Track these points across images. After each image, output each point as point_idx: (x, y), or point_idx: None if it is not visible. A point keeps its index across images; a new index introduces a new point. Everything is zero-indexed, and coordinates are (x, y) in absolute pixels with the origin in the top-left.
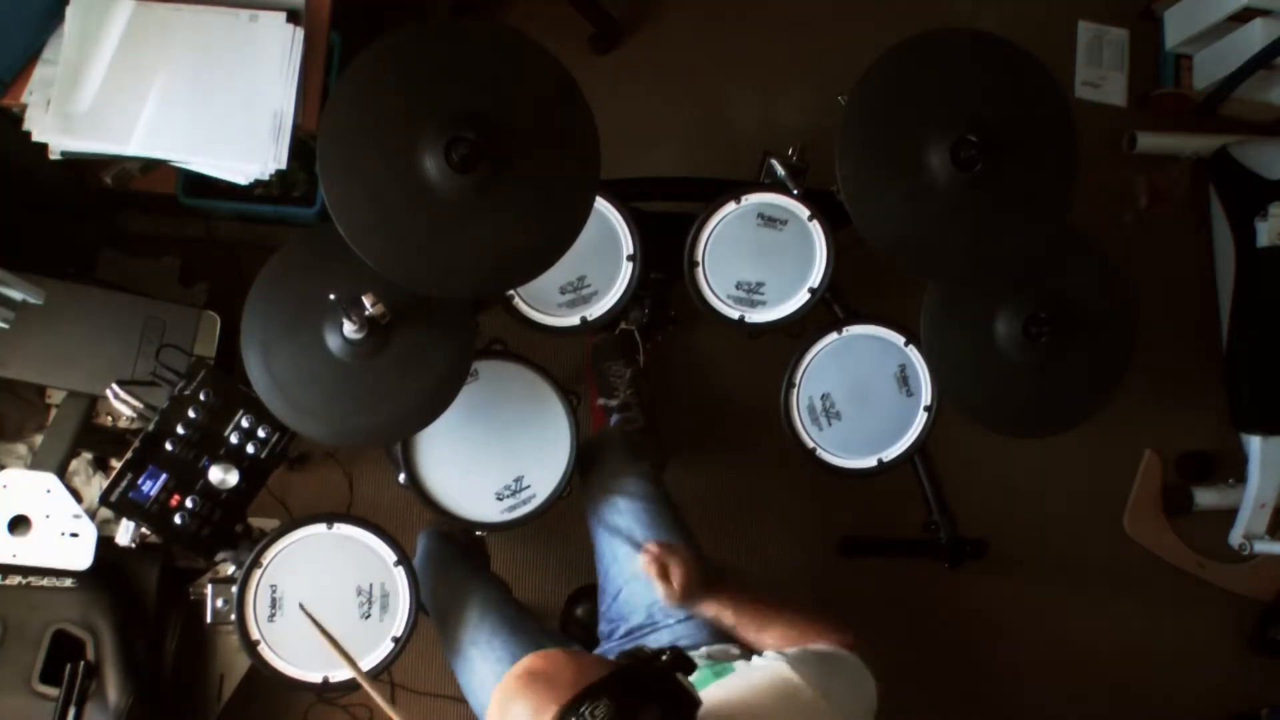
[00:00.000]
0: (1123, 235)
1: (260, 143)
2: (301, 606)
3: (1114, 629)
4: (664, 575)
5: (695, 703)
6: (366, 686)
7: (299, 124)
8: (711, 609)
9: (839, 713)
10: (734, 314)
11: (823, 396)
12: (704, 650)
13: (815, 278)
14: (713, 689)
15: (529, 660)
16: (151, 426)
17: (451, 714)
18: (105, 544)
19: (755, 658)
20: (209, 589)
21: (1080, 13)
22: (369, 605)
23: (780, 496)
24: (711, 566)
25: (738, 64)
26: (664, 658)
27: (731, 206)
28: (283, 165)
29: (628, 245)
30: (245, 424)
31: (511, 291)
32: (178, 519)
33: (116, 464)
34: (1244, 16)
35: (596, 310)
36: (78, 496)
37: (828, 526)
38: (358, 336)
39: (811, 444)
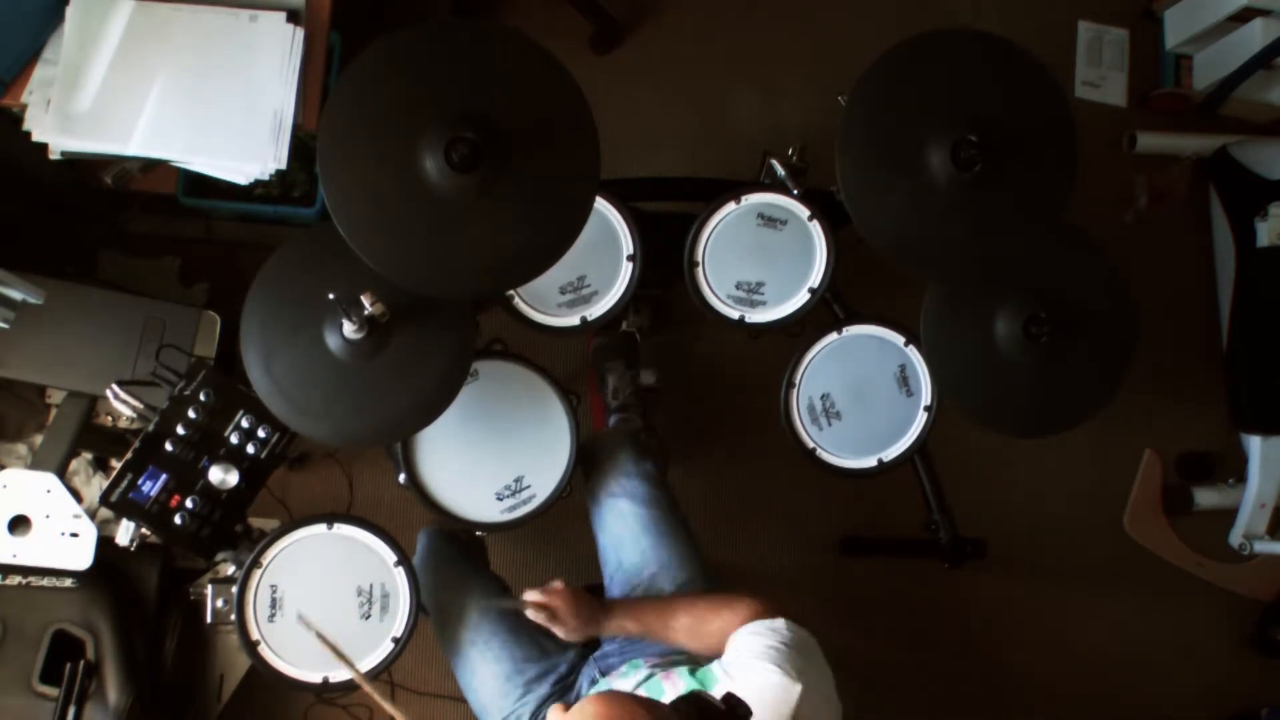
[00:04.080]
0: (1123, 235)
1: (260, 143)
2: (300, 617)
3: (1114, 629)
4: (554, 619)
5: None
6: (373, 694)
7: (299, 124)
8: (613, 627)
9: (823, 695)
10: (734, 314)
11: (823, 396)
12: None
13: (815, 278)
14: None
15: (598, 706)
16: (151, 426)
17: (451, 714)
18: (105, 544)
19: (735, 663)
20: (209, 589)
21: (1080, 13)
22: (369, 605)
23: (780, 496)
24: (593, 595)
25: (738, 64)
26: (730, 707)
27: (731, 206)
28: (283, 165)
29: (628, 245)
30: (245, 424)
31: (511, 291)
32: (178, 519)
33: (116, 464)
34: (1244, 16)
35: (596, 310)
36: (78, 496)
37: (828, 526)
38: (357, 336)
39: (811, 444)
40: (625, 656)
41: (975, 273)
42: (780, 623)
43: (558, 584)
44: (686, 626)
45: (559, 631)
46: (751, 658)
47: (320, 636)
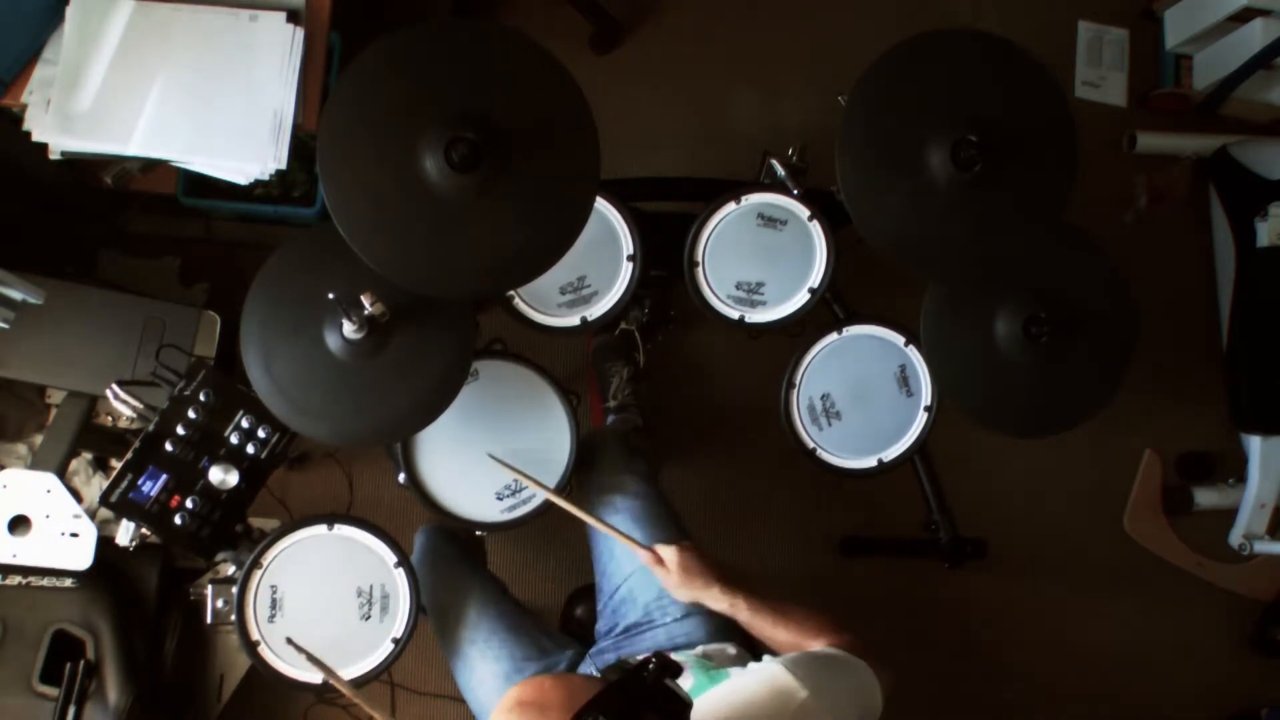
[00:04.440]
0: (1123, 235)
1: (260, 143)
2: (290, 640)
3: (1114, 629)
4: (660, 568)
5: (686, 704)
6: (367, 708)
7: (299, 124)
8: (724, 602)
9: (831, 712)
10: (734, 314)
11: (823, 396)
12: (700, 649)
13: (815, 278)
14: (708, 696)
15: (516, 691)
16: (151, 427)
17: (451, 714)
18: (105, 544)
19: (752, 663)
20: (209, 589)
21: (1080, 13)
22: (369, 606)
23: (780, 496)
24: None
25: (738, 64)
26: (650, 666)
27: (731, 206)
28: (283, 165)
29: (628, 245)
30: (245, 424)
31: (511, 291)
32: (178, 519)
33: (116, 464)
34: (1244, 16)
35: (596, 310)
36: (78, 496)
37: (828, 526)
38: (357, 336)
39: (811, 444)
40: (620, 653)
41: (975, 273)
42: (851, 656)
43: (686, 542)
44: (787, 640)
45: (662, 582)
46: (775, 663)
47: (312, 659)
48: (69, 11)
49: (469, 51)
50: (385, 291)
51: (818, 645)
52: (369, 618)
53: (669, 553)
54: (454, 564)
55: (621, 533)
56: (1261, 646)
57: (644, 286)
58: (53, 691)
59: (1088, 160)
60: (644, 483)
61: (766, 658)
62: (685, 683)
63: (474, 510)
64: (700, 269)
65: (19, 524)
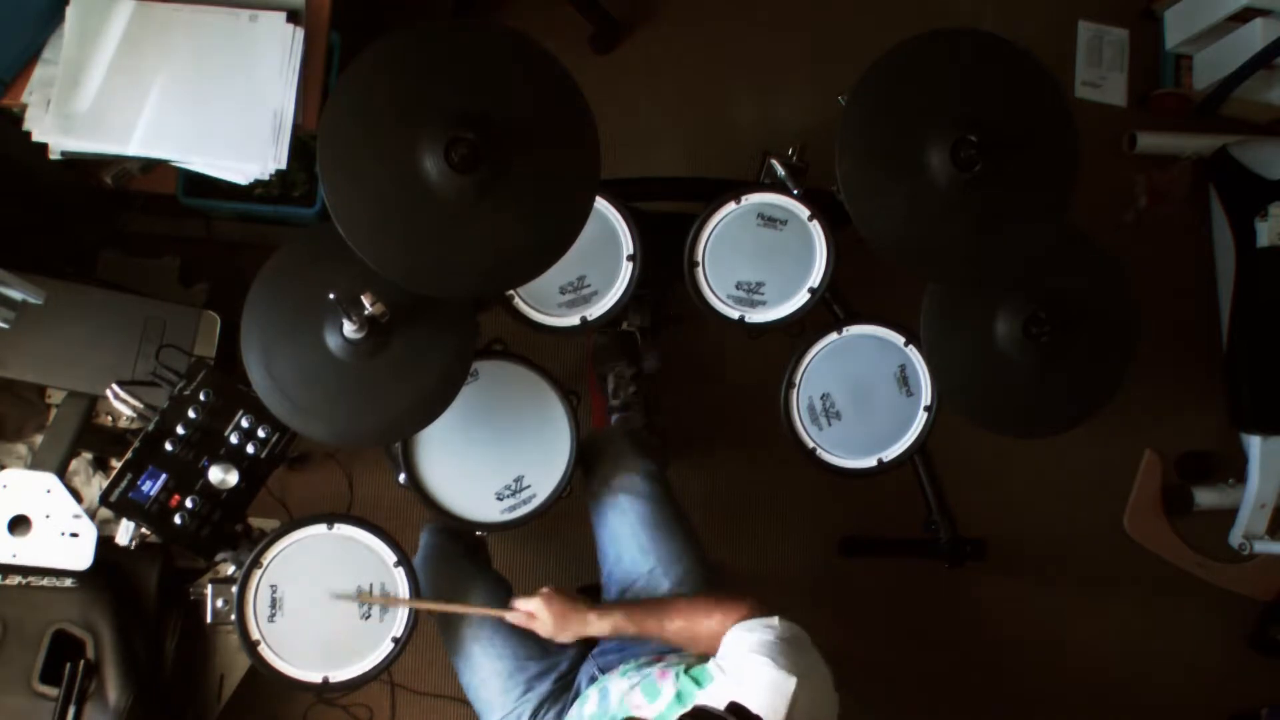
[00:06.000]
0: (1123, 235)
1: (260, 143)
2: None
3: (1114, 629)
4: (534, 623)
5: None
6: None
7: (299, 124)
8: (605, 628)
9: (821, 692)
10: (734, 314)
11: (823, 396)
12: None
13: (815, 278)
14: (701, 699)
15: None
16: (151, 427)
17: (451, 714)
18: (105, 544)
19: (729, 658)
20: (209, 589)
21: (1080, 13)
22: (369, 605)
23: (780, 496)
24: (587, 597)
25: (738, 64)
26: (731, 715)
27: (731, 206)
28: (283, 165)
29: (628, 245)
30: (245, 424)
31: (511, 291)
32: (178, 519)
33: (116, 464)
34: (1244, 16)
35: (596, 310)
36: (78, 496)
37: (828, 526)
38: (357, 336)
39: (811, 444)
40: (624, 655)
41: (975, 273)
42: (774, 620)
43: (544, 589)
44: (681, 628)
45: (542, 634)
46: (745, 652)
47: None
48: (69, 11)
49: (469, 51)
50: (385, 291)
51: (716, 622)
52: (369, 617)
53: (534, 605)
54: (459, 562)
55: (477, 608)
56: (1261, 646)
57: (644, 286)
58: (53, 691)
59: (1088, 160)
60: (652, 482)
61: (745, 654)
62: (668, 691)
63: (474, 510)
64: (700, 269)
65: (19, 524)
